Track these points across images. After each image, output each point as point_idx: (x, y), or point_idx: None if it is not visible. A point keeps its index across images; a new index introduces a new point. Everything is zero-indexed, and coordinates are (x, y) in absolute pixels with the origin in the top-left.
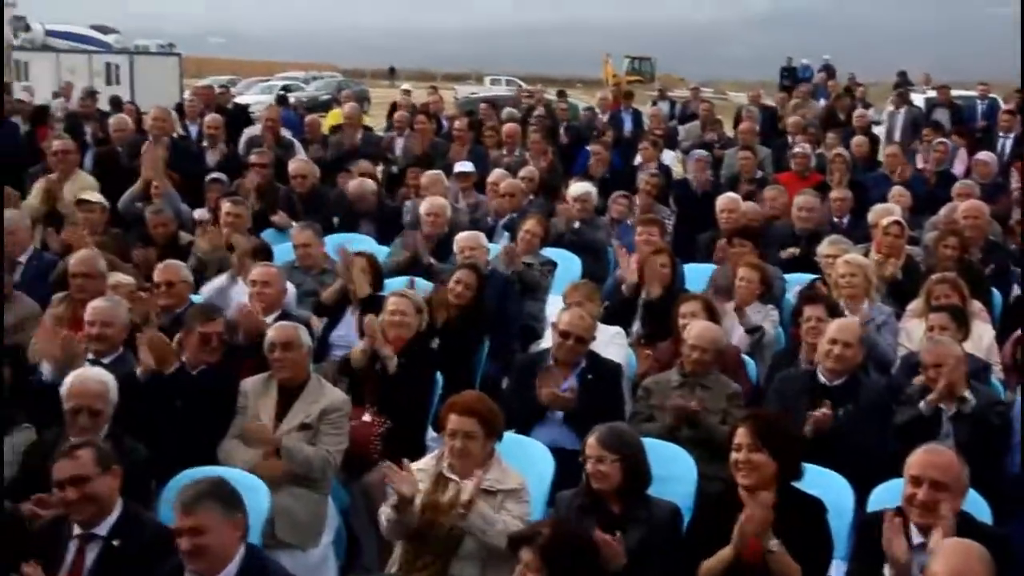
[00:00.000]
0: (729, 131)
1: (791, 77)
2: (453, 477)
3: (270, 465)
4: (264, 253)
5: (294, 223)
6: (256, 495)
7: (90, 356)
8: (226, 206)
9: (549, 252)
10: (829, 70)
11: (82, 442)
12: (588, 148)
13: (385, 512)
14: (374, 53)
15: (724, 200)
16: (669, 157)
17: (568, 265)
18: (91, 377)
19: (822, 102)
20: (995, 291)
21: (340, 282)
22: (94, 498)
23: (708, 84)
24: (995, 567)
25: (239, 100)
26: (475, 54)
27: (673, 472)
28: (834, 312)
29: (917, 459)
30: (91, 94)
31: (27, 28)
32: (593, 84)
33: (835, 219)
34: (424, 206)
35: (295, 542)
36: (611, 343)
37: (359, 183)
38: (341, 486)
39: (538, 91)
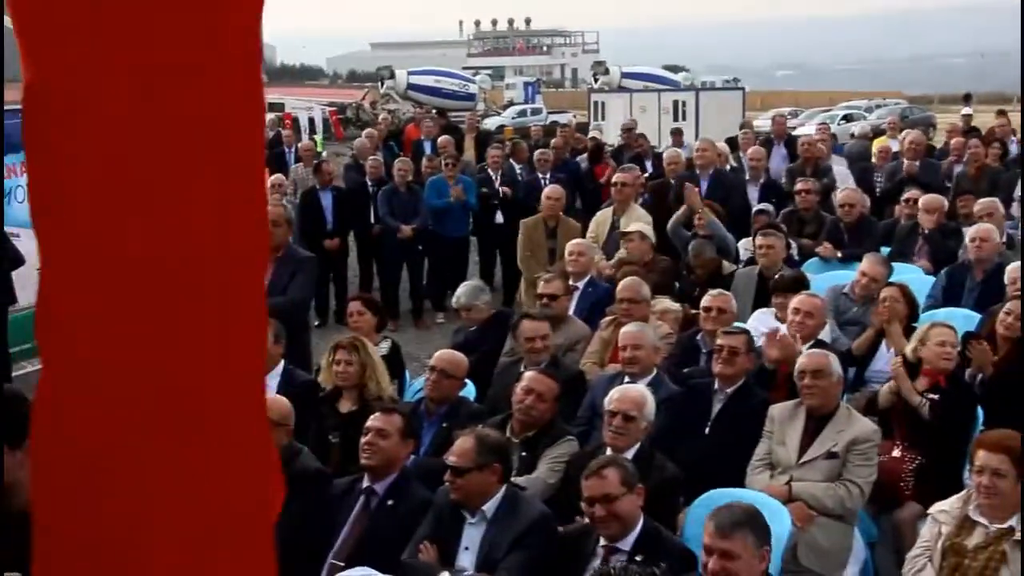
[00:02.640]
0: None
1: None
2: (980, 520)
3: (791, 509)
4: (800, 284)
5: (839, 253)
6: (778, 520)
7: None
8: (759, 239)
9: None
10: None
11: (610, 461)
12: None
13: (913, 560)
14: (947, 76)
15: None
16: None
17: None
18: (633, 388)
19: None
20: None
21: (872, 329)
22: (618, 516)
23: None
24: None
25: (797, 132)
26: None
27: None
28: None
29: None
30: (628, 130)
31: (606, 71)
32: None
33: None
34: (971, 231)
35: (817, 569)
36: None
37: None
38: (871, 519)
39: None
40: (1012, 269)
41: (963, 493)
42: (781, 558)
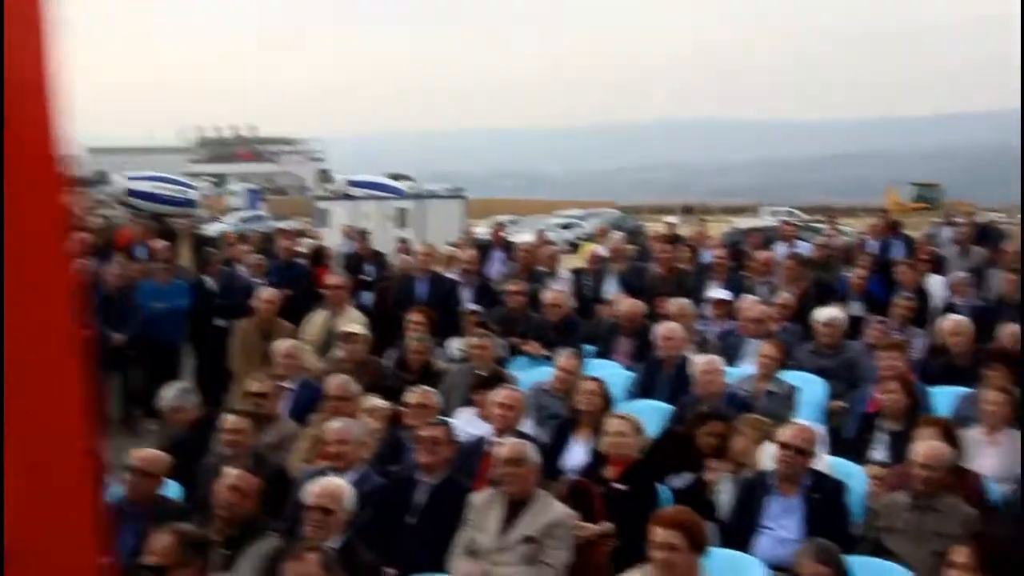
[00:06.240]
0: None
1: None
2: None
3: None
4: (498, 379)
5: (545, 351)
6: None
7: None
8: (474, 340)
9: (792, 376)
10: None
11: (311, 547)
12: (844, 274)
13: None
14: (657, 188)
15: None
16: (937, 282)
17: (813, 389)
18: (331, 481)
19: None
20: None
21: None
22: None
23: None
24: None
25: (513, 238)
26: (763, 186)
27: None
28: None
29: None
30: (362, 235)
31: (331, 180)
32: (878, 213)
33: None
34: (657, 331)
35: None
36: None
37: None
38: None
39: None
40: (700, 362)
41: (644, 567)
42: None
